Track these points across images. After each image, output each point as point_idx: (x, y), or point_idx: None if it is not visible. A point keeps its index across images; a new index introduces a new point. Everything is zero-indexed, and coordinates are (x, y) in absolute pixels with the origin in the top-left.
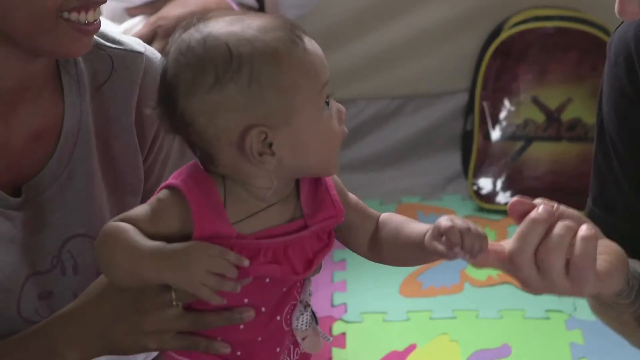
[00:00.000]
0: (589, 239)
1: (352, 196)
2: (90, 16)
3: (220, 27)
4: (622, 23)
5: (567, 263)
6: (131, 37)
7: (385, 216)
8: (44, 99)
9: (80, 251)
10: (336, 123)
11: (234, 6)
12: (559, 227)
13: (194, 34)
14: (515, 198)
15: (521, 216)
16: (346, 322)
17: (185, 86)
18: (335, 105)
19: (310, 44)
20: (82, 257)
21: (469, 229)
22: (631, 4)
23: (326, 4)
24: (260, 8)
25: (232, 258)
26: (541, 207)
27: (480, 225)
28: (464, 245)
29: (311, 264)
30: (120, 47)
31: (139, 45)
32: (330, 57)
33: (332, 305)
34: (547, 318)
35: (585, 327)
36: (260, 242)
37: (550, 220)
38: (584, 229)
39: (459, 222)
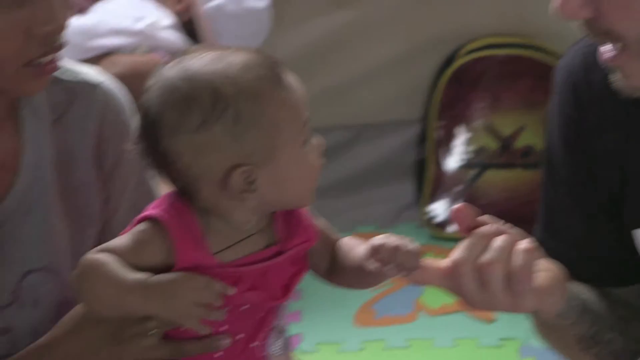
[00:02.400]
0: (528, 252)
1: (319, 220)
2: (49, 57)
3: (204, 65)
4: (569, 51)
5: (509, 276)
6: (90, 68)
7: (341, 240)
8: (3, 133)
9: (40, 285)
10: (315, 157)
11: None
12: (500, 240)
13: (178, 72)
14: (459, 205)
15: (465, 226)
16: (302, 352)
17: (170, 125)
18: (314, 139)
19: (292, 81)
20: (41, 291)
21: (400, 246)
22: (572, 1)
23: (280, 36)
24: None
25: (218, 287)
26: (486, 223)
27: (433, 252)
28: (396, 262)
29: (289, 289)
30: (78, 78)
31: (97, 76)
32: None
33: (289, 336)
34: (501, 346)
35: (539, 355)
36: (240, 270)
37: (494, 235)
38: (524, 243)
39: (392, 239)
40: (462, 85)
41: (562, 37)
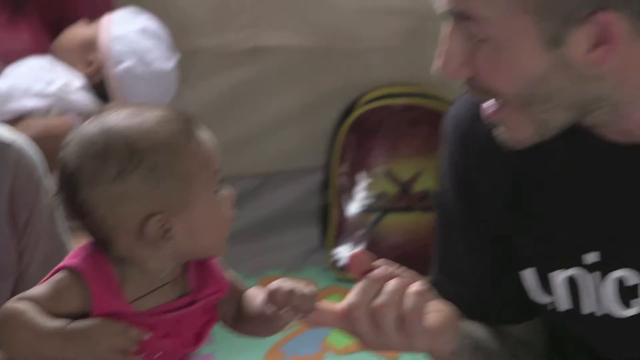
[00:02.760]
0: (419, 295)
1: (228, 271)
2: None
3: (120, 120)
4: (456, 102)
5: (401, 318)
6: (2, 128)
7: (249, 291)
8: None
9: None
10: (227, 208)
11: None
12: (391, 284)
13: (95, 127)
14: (354, 252)
15: (360, 271)
16: None
17: (88, 178)
18: (226, 190)
19: (203, 134)
20: None
21: (295, 290)
22: (453, 61)
23: (187, 93)
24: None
25: (134, 334)
26: (380, 267)
27: (339, 294)
28: (292, 305)
29: (201, 337)
30: None
31: (9, 135)
32: None
33: None
34: None
35: None
36: (155, 319)
37: (387, 278)
38: (415, 286)
39: (286, 283)
40: (361, 134)
41: (454, 87)
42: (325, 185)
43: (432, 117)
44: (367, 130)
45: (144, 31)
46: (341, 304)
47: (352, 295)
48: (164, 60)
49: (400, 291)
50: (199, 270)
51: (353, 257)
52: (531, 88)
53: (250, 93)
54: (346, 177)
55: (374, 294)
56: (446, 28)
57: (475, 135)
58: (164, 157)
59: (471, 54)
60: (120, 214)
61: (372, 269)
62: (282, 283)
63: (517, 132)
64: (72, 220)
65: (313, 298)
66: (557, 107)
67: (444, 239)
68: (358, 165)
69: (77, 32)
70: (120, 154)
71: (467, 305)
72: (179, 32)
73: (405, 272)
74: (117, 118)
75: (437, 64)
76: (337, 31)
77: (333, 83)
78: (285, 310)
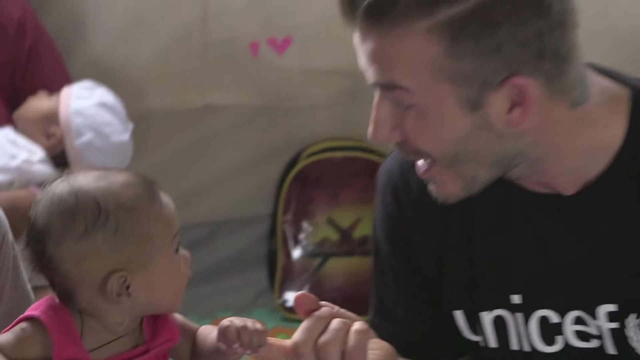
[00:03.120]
0: (361, 333)
1: (178, 316)
2: None
3: (89, 182)
4: (388, 156)
5: (344, 354)
6: None
7: (201, 329)
8: None
9: None
10: (184, 267)
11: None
12: (335, 322)
13: (65, 187)
14: (299, 293)
15: (305, 311)
16: None
17: (56, 234)
18: (182, 252)
19: (165, 198)
20: None
21: (245, 327)
22: (383, 127)
23: (143, 155)
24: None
25: None
26: (324, 307)
27: (286, 334)
28: (242, 342)
29: None
30: None
31: None
32: None
33: None
34: None
35: None
36: None
37: (331, 318)
38: (357, 325)
39: (237, 321)
40: (304, 185)
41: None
42: (272, 232)
43: (370, 169)
44: (310, 181)
45: (101, 105)
46: (289, 341)
47: (299, 333)
48: (120, 132)
49: (344, 329)
50: (152, 320)
51: (298, 298)
52: (456, 148)
53: (203, 148)
54: (291, 225)
55: (319, 332)
56: (376, 97)
57: (407, 188)
58: (128, 218)
59: (400, 119)
60: (83, 269)
61: (316, 309)
62: (233, 320)
63: (446, 188)
64: (38, 273)
65: (263, 334)
66: (482, 165)
67: (380, 283)
68: (301, 213)
69: (38, 104)
70: (88, 213)
71: (403, 345)
72: (134, 95)
73: (347, 313)
74: (86, 180)
75: (369, 130)
76: (281, 90)
77: (278, 138)
78: (237, 345)
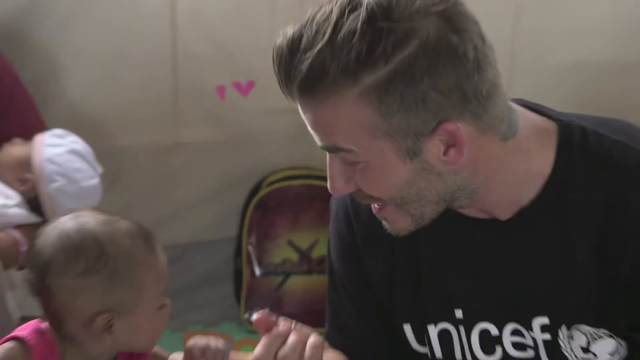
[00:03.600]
0: (316, 347)
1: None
2: None
3: (95, 224)
4: None
5: None
6: None
7: (172, 356)
8: None
9: None
10: (164, 318)
11: (21, 242)
12: (292, 337)
13: (73, 225)
14: (259, 313)
15: (265, 329)
16: None
17: (58, 267)
18: (166, 301)
19: (161, 253)
20: None
21: (208, 346)
22: (338, 181)
23: (116, 181)
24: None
25: None
26: (281, 324)
27: (251, 345)
28: (207, 359)
29: None
30: None
31: None
32: None
33: None
34: None
35: None
36: None
37: (288, 333)
38: (312, 338)
39: (201, 340)
40: (266, 210)
41: None
42: (237, 253)
43: (326, 194)
44: (271, 206)
45: (72, 152)
46: (250, 356)
47: (259, 348)
48: (89, 177)
49: (300, 344)
50: (129, 352)
51: (258, 319)
52: (402, 192)
53: (174, 178)
54: (254, 246)
55: (278, 347)
56: (327, 156)
57: (357, 215)
58: (126, 264)
59: (350, 173)
60: (76, 303)
61: (274, 326)
62: (197, 340)
63: (397, 225)
64: (34, 297)
65: (225, 352)
66: (428, 202)
67: (334, 299)
68: (264, 236)
69: (12, 151)
70: (91, 253)
71: (355, 356)
72: (108, 135)
73: (303, 327)
74: (93, 222)
75: (328, 184)
76: (245, 127)
77: (241, 168)
78: None
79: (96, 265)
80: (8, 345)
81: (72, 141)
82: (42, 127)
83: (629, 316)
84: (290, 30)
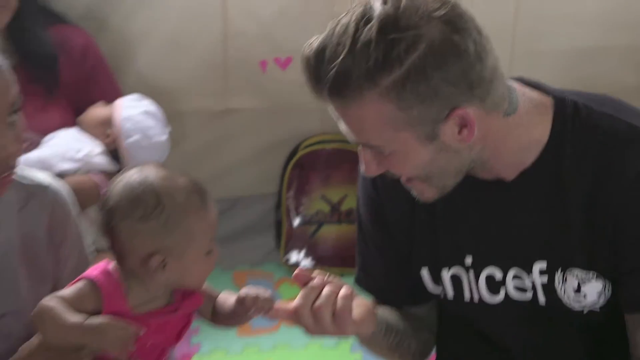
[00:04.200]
0: (346, 297)
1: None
2: (4, 174)
3: (156, 178)
4: None
5: (334, 314)
6: (42, 173)
7: (221, 295)
8: None
9: (12, 324)
10: (211, 263)
11: (102, 185)
12: (326, 290)
13: (137, 178)
14: (298, 269)
15: (303, 283)
16: (201, 355)
17: (121, 212)
18: (215, 249)
19: (212, 207)
20: (12, 328)
21: (258, 295)
22: (371, 166)
23: (176, 142)
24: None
25: (133, 329)
26: (317, 278)
27: (289, 282)
28: (257, 307)
29: (180, 335)
30: (34, 181)
31: (47, 179)
32: None
33: (190, 344)
34: (337, 346)
35: (363, 351)
36: (147, 319)
37: (322, 286)
38: (343, 290)
39: (252, 291)
40: (303, 169)
41: None
42: (278, 205)
43: (353, 156)
44: (306, 166)
45: (146, 113)
46: (291, 305)
47: (298, 299)
48: (160, 134)
49: (333, 295)
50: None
51: (296, 274)
52: (426, 170)
53: (224, 141)
54: (292, 200)
55: (314, 298)
56: (359, 146)
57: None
58: (178, 215)
59: (380, 159)
60: (135, 244)
61: (311, 280)
62: (249, 290)
63: (424, 194)
64: (104, 237)
65: (271, 301)
66: (448, 176)
67: (363, 248)
68: (300, 191)
69: (97, 111)
70: (149, 203)
71: (380, 295)
72: (171, 101)
73: (335, 279)
74: (154, 176)
75: (362, 168)
76: (284, 97)
77: (282, 133)
78: (252, 311)
79: (152, 213)
80: (80, 284)
81: (146, 104)
82: (119, 94)
83: (614, 261)
84: (314, 43)
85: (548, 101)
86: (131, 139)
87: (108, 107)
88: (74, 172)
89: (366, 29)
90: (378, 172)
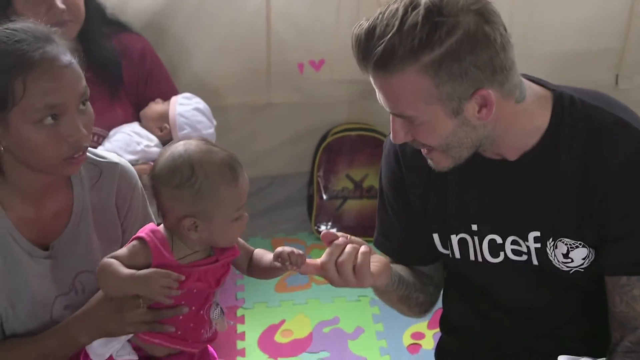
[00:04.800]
0: (365, 254)
1: (239, 239)
2: (77, 154)
3: (195, 151)
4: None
5: (354, 268)
6: (111, 153)
7: (256, 251)
8: (61, 191)
9: (86, 280)
10: (239, 227)
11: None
12: (348, 247)
13: (180, 150)
14: (325, 230)
15: (329, 241)
16: (245, 308)
17: (162, 179)
18: (244, 214)
19: (243, 178)
20: (86, 283)
21: (292, 252)
22: (399, 134)
23: (223, 132)
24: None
25: (174, 276)
26: (340, 237)
27: (318, 248)
28: (291, 261)
29: (219, 282)
30: (104, 160)
31: (116, 158)
32: None
33: (236, 299)
34: (359, 300)
35: (381, 304)
36: (191, 269)
37: (345, 244)
38: (362, 248)
39: (287, 248)
40: (331, 152)
41: (387, 124)
42: (310, 182)
43: (375, 142)
44: (335, 150)
45: (196, 109)
46: (318, 260)
47: (324, 256)
48: (208, 127)
49: (354, 252)
50: None
51: (324, 234)
52: (447, 140)
53: (266, 130)
54: (322, 178)
55: (338, 255)
56: (391, 115)
57: (405, 154)
58: (211, 185)
59: (408, 128)
60: (172, 207)
61: (335, 239)
62: (285, 247)
63: (440, 164)
64: (152, 198)
65: (304, 257)
66: (465, 148)
67: (382, 214)
68: (329, 171)
69: (155, 108)
70: (185, 173)
71: (395, 255)
72: (220, 96)
73: (356, 239)
74: (194, 149)
75: (390, 136)
76: (317, 93)
77: (314, 123)
78: (286, 264)
79: (187, 182)
80: (132, 243)
81: (197, 101)
82: (174, 92)
83: (599, 231)
84: (365, 23)
85: (548, 94)
86: (183, 132)
87: (165, 104)
88: (134, 163)
89: (414, 13)
90: (405, 140)
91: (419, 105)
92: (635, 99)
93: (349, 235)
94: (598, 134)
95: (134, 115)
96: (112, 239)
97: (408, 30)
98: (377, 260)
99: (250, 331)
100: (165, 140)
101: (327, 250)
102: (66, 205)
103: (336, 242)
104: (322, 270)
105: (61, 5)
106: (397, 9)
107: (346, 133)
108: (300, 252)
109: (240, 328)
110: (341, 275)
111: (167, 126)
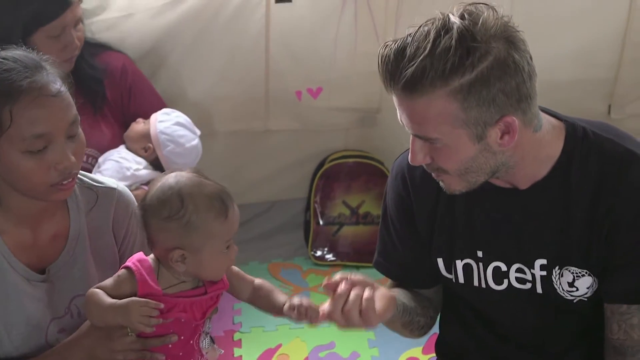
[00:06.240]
0: (369, 299)
1: (234, 268)
2: (66, 181)
3: (185, 184)
4: (401, 155)
5: (361, 312)
6: (108, 178)
7: (259, 281)
8: (57, 216)
9: (81, 304)
10: (228, 260)
11: None
12: (352, 295)
13: (171, 182)
14: (326, 280)
15: (333, 291)
16: (242, 332)
17: (151, 210)
18: (232, 246)
19: (233, 211)
20: (82, 308)
21: (310, 307)
22: (418, 155)
23: (224, 157)
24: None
25: (152, 304)
26: (343, 285)
27: (314, 273)
28: (306, 317)
29: (205, 314)
30: (102, 185)
31: (113, 183)
32: None
33: (233, 323)
34: None
35: (376, 330)
36: (177, 299)
37: (349, 292)
38: (366, 293)
39: (305, 301)
40: (328, 179)
41: (385, 152)
42: (307, 208)
43: (370, 170)
44: (332, 177)
45: (176, 123)
46: (324, 308)
47: (330, 306)
48: (191, 140)
49: (359, 299)
50: None
51: (326, 284)
52: (467, 165)
53: (264, 156)
54: (319, 204)
55: (343, 303)
56: (411, 136)
57: (412, 177)
58: (200, 219)
59: (427, 150)
60: (161, 238)
61: (337, 286)
62: (301, 301)
63: (452, 187)
64: (141, 228)
65: (318, 312)
66: (483, 173)
67: (385, 235)
68: (326, 197)
69: (136, 128)
70: (174, 206)
71: (396, 277)
72: (220, 123)
73: (358, 278)
74: (185, 182)
75: (409, 157)
76: (313, 119)
77: (312, 149)
78: (302, 317)
79: (176, 215)
80: (118, 273)
81: (177, 115)
82: (162, 104)
83: (604, 258)
84: (393, 45)
85: (561, 125)
86: (167, 149)
87: (145, 123)
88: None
89: (446, 37)
90: (423, 162)
91: (444, 128)
92: (627, 128)
93: (349, 275)
94: (610, 165)
95: (120, 132)
96: (109, 263)
97: (440, 54)
98: (381, 296)
99: (247, 355)
100: (151, 159)
101: (332, 300)
102: (62, 229)
103: (339, 291)
104: (329, 319)
105: (78, 42)
106: (428, 32)
107: (343, 160)
108: (315, 306)
109: (237, 352)
110: (348, 320)
111: (151, 145)
